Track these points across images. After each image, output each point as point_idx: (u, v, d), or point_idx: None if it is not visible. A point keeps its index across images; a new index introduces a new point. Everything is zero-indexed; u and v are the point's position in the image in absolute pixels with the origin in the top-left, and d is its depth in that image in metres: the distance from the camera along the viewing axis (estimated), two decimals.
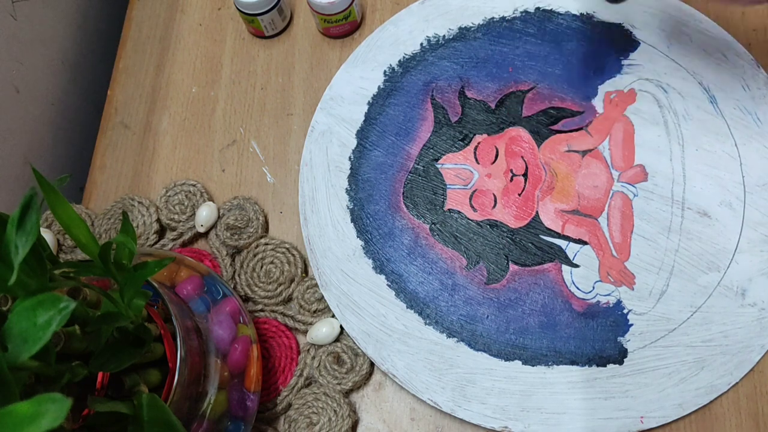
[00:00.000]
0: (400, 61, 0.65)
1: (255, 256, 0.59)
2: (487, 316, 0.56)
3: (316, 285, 0.58)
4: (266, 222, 0.61)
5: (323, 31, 0.67)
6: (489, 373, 0.55)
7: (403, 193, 0.60)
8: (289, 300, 0.58)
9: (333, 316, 0.57)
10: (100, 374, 0.40)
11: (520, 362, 0.55)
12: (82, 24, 0.74)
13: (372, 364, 0.56)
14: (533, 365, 0.55)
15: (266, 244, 0.59)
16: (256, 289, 0.58)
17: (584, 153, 0.61)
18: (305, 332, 0.57)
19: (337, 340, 0.56)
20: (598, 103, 0.62)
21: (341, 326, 0.56)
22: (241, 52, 0.68)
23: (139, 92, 0.67)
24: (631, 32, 0.64)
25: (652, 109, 0.61)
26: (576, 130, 0.61)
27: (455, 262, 0.58)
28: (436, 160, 0.61)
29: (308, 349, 0.56)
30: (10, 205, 0.62)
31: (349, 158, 0.62)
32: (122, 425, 0.37)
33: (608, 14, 0.64)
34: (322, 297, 0.57)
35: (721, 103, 0.61)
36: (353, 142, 0.62)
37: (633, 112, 0.61)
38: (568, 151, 0.61)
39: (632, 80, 0.62)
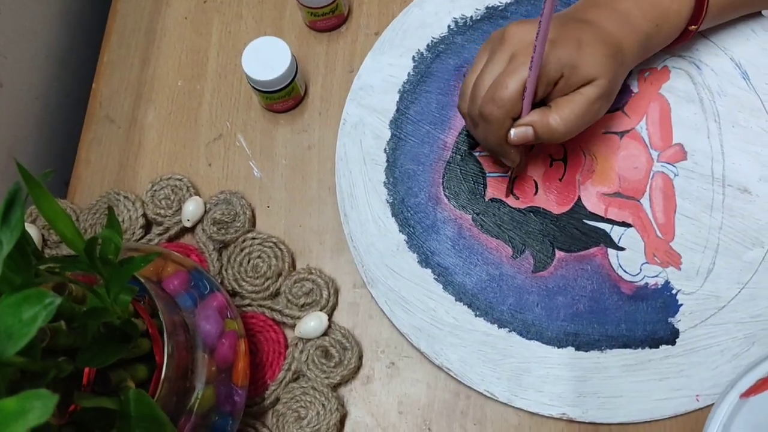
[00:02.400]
0: (428, 45, 0.63)
1: (242, 250, 0.59)
2: (537, 304, 0.56)
3: (303, 279, 0.57)
4: (253, 216, 0.61)
5: (310, 25, 0.66)
6: (543, 361, 0.55)
7: (442, 184, 0.60)
8: (276, 294, 0.58)
9: (321, 310, 0.57)
10: (86, 370, 0.40)
11: (573, 348, 0.55)
12: (66, 17, 0.73)
13: (360, 358, 0.56)
14: (586, 350, 0.55)
15: (253, 238, 0.59)
16: (244, 283, 0.58)
17: (622, 134, 0.60)
18: (293, 326, 0.57)
19: (325, 333, 0.56)
20: (632, 82, 0.61)
21: (329, 320, 0.56)
22: (227, 46, 0.67)
23: (124, 86, 0.67)
24: None
25: (686, 86, 0.61)
26: (612, 111, 0.60)
27: (501, 251, 0.58)
28: (473, 148, 0.60)
29: (296, 343, 0.56)
30: None
31: (385, 150, 0.61)
32: (109, 421, 0.37)
33: None
34: (310, 291, 0.57)
35: (753, 79, 0.61)
36: (387, 133, 0.61)
37: (668, 90, 0.61)
38: (606, 132, 0.60)
39: (665, 57, 0.62)
